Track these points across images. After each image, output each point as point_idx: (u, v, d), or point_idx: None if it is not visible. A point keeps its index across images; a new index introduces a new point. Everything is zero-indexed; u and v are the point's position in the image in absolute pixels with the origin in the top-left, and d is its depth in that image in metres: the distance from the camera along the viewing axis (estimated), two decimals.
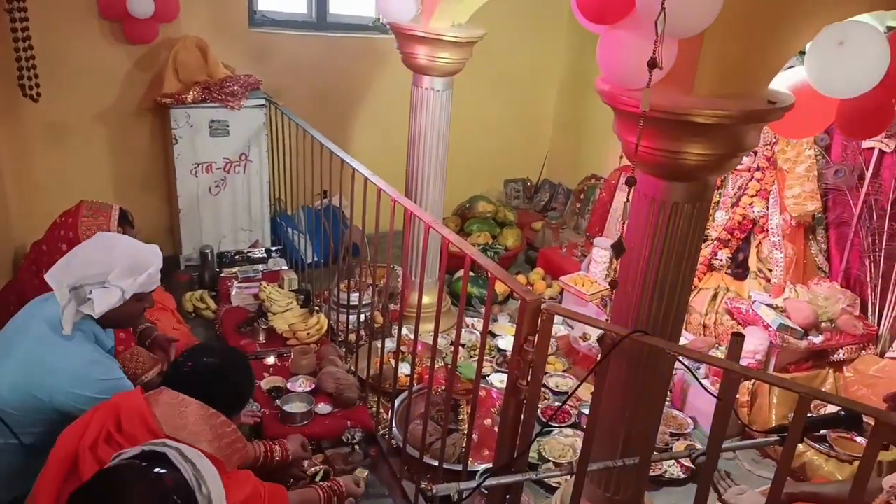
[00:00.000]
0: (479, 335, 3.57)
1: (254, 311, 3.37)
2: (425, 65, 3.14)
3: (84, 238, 2.40)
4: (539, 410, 2.95)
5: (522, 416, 1.82)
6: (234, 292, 3.55)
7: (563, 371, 3.40)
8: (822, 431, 2.83)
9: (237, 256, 3.89)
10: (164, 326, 2.80)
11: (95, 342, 1.99)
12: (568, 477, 2.02)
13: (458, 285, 3.86)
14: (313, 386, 2.84)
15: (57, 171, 3.90)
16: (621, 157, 1.60)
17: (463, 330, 3.60)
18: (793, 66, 2.03)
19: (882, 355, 3.17)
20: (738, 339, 1.75)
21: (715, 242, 3.49)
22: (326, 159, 3.06)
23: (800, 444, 2.81)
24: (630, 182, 1.64)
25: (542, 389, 3.21)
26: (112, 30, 3.80)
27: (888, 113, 1.93)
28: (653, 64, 1.51)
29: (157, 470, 1.19)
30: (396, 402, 2.76)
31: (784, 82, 1.94)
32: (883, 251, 3.25)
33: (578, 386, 1.81)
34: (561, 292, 3.93)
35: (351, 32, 4.52)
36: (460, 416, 2.74)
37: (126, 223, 2.63)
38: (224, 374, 1.80)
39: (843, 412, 1.81)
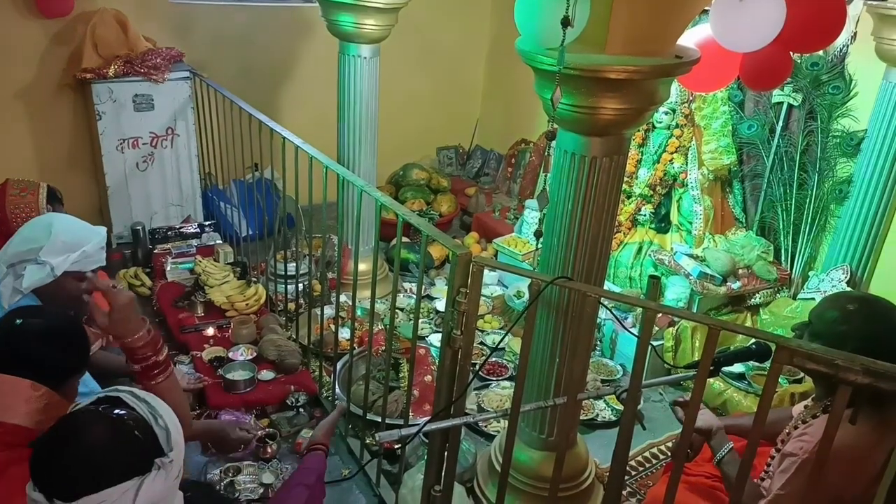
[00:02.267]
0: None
1: (190, 285, 3.35)
2: (351, 32, 3.14)
3: (11, 217, 2.37)
4: (477, 366, 3.07)
5: (458, 365, 1.90)
6: (168, 268, 3.52)
7: (500, 328, 3.52)
8: (741, 370, 3.05)
9: (170, 232, 3.84)
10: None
11: None
12: (505, 423, 2.13)
13: (394, 252, 3.92)
14: (255, 354, 2.88)
15: None
16: (549, 121, 1.67)
17: (402, 294, 3.70)
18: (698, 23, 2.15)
19: (795, 297, 3.40)
20: (654, 280, 1.88)
21: (638, 199, 3.65)
22: (256, 131, 3.04)
23: (720, 383, 3.02)
24: (549, 136, 1.73)
25: (481, 346, 3.33)
26: (25, 3, 3.63)
27: (786, 65, 2.08)
28: (566, 22, 1.58)
29: (115, 411, 1.24)
30: (338, 365, 2.82)
31: (691, 38, 2.05)
32: (794, 200, 3.47)
33: (508, 330, 1.92)
34: (496, 254, 4.04)
35: (275, 2, 4.44)
36: (401, 374, 2.82)
37: (55, 201, 2.58)
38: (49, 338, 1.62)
39: (753, 345, 1.95)
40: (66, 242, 1.95)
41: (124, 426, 1.23)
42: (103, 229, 2.10)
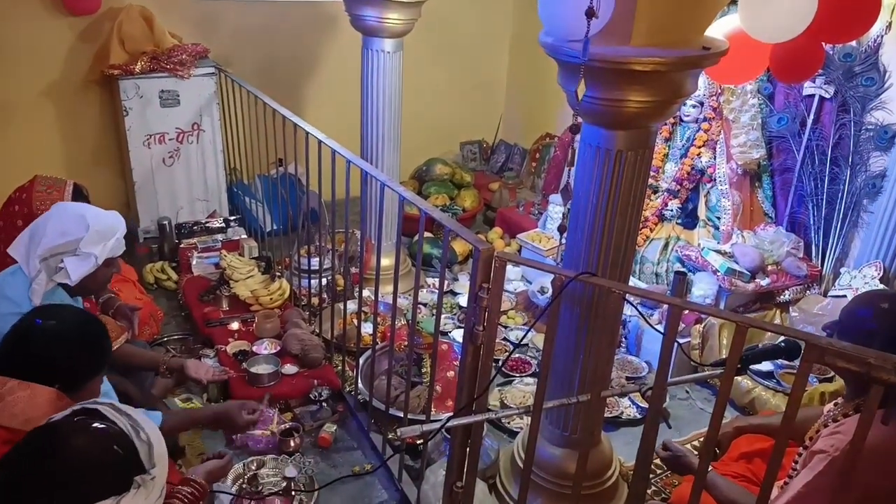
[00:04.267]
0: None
1: (215, 279, 3.39)
2: (374, 26, 3.14)
3: (39, 213, 2.39)
4: (500, 361, 3.06)
5: (480, 361, 1.89)
6: (194, 262, 3.56)
7: (523, 324, 3.50)
8: (769, 368, 2.99)
9: (195, 227, 3.87)
10: (127, 297, 2.82)
11: None
12: (528, 420, 2.12)
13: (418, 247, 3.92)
14: (279, 348, 2.90)
15: (5, 151, 3.81)
16: (574, 114, 1.65)
17: (425, 290, 3.70)
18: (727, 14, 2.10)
19: (825, 294, 3.32)
20: (680, 277, 1.84)
21: (665, 194, 3.60)
22: (280, 127, 3.05)
23: (749, 382, 2.97)
24: (574, 129, 1.70)
25: (504, 341, 3.31)
26: (53, 2, 3.69)
27: (818, 56, 2.02)
28: (591, 13, 1.55)
29: (94, 424, 1.18)
30: (361, 360, 2.82)
31: (719, 29, 2.01)
32: (825, 195, 3.38)
33: (532, 326, 1.89)
34: (519, 250, 4.01)
35: None
36: (423, 370, 2.82)
37: (80, 198, 2.62)
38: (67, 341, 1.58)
39: (782, 342, 1.91)
40: (101, 231, 2.00)
41: (103, 440, 1.16)
42: (118, 214, 2.14)
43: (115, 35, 3.71)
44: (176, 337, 3.19)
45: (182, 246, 3.73)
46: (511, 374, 3.08)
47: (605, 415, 2.80)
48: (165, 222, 3.85)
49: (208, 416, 2.24)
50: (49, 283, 1.93)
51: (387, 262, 3.41)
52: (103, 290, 2.18)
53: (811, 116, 3.34)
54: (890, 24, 3.10)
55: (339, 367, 2.88)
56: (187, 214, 4.06)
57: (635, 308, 1.93)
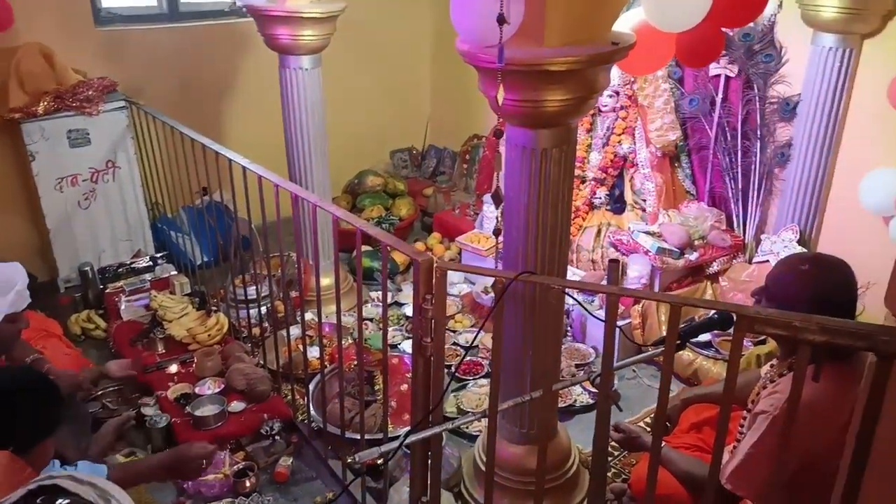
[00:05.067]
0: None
1: (147, 322, 3.26)
2: (289, 44, 3.09)
3: None
4: (453, 367, 3.07)
5: (431, 372, 1.89)
6: (122, 307, 3.41)
7: (471, 326, 3.52)
8: (707, 338, 3.11)
9: (121, 269, 3.72)
10: (53, 353, 2.69)
11: None
12: (486, 422, 2.13)
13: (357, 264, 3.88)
14: (223, 386, 2.81)
15: None
16: (497, 118, 1.69)
17: (369, 304, 3.67)
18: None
19: (750, 261, 3.48)
20: (614, 264, 1.89)
21: (593, 182, 3.69)
22: (200, 155, 2.97)
23: (689, 353, 3.08)
24: (498, 135, 1.73)
25: (454, 346, 3.32)
26: None
27: (719, 40, 2.12)
28: (501, 20, 1.58)
29: (58, 501, 1.10)
30: (311, 386, 2.78)
31: (626, 23, 2.07)
32: (739, 168, 3.55)
33: (478, 333, 1.92)
34: (459, 252, 4.04)
35: (207, 20, 4.35)
36: (376, 387, 2.79)
37: None
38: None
39: (715, 315, 1.99)
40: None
41: None
42: (19, 265, 2.05)
43: (13, 76, 3.52)
44: (110, 389, 3.04)
45: (108, 291, 3.57)
46: (464, 377, 3.09)
47: (559, 405, 2.84)
48: (87, 268, 3.66)
49: (157, 465, 2.12)
50: None
51: (327, 281, 3.37)
52: (11, 348, 2.06)
53: (720, 95, 3.50)
54: (781, 2, 3.28)
55: (289, 397, 2.82)
56: (110, 257, 3.89)
57: (576, 300, 1.97)
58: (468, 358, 3.22)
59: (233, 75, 4.48)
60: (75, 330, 3.48)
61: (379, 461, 2.28)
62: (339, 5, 3.12)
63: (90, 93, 3.63)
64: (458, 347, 3.33)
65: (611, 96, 3.63)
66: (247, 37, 4.31)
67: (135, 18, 4.16)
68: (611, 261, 1.75)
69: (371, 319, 3.52)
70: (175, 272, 3.73)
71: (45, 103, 3.52)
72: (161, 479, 2.30)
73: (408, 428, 2.33)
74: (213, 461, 2.26)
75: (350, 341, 3.19)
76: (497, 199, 1.78)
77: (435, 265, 1.80)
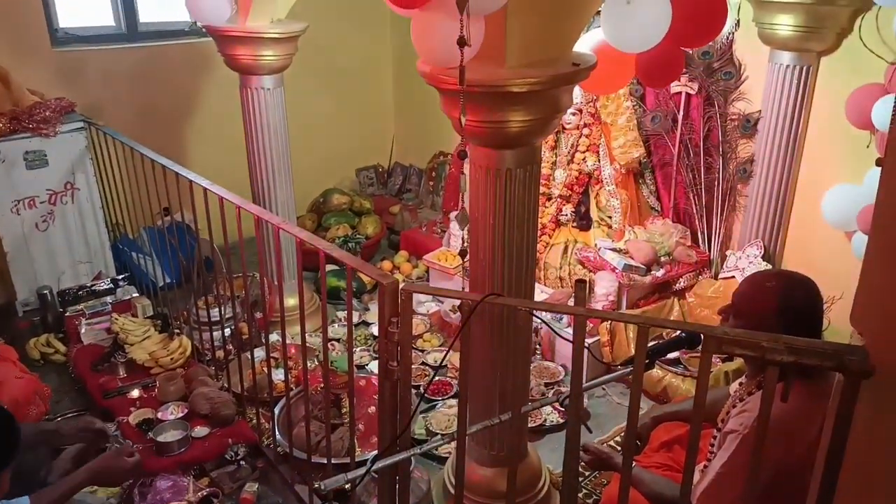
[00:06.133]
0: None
1: (108, 345, 3.17)
2: (250, 64, 3.06)
3: None
4: (421, 387, 3.03)
5: (399, 396, 1.86)
6: (83, 330, 3.31)
7: (440, 346, 3.50)
8: (675, 355, 3.12)
9: (81, 292, 3.61)
10: (5, 377, 2.61)
11: None
12: (454, 444, 2.10)
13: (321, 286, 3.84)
14: (186, 411, 2.73)
15: None
16: (461, 140, 1.70)
17: (336, 325, 3.62)
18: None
19: (716, 277, 3.52)
20: (580, 284, 1.89)
21: (558, 200, 3.71)
22: (161, 175, 2.91)
23: (658, 371, 3.09)
24: (461, 156, 1.72)
25: (422, 366, 3.29)
26: None
27: (678, 60, 2.15)
28: (462, 42, 1.57)
29: None
30: (276, 409, 2.72)
31: (586, 44, 2.09)
32: (703, 184, 3.60)
33: (446, 355, 1.89)
34: (427, 270, 4.02)
35: (167, 40, 4.30)
36: (343, 410, 2.75)
37: None
38: None
39: (683, 334, 1.99)
40: None
41: None
42: None
43: None
44: (70, 414, 2.96)
45: (68, 314, 3.47)
46: (433, 398, 3.06)
47: (529, 425, 2.83)
48: (46, 291, 3.57)
49: (84, 478, 2.10)
50: None
51: (292, 301, 3.32)
52: None
53: (681, 112, 3.55)
54: (738, 21, 3.35)
55: (254, 421, 2.76)
56: (70, 280, 3.79)
57: (543, 321, 1.96)
58: (437, 378, 3.19)
59: (194, 95, 4.43)
60: (34, 354, 3.38)
61: (346, 486, 2.24)
62: (299, 26, 3.11)
63: (47, 113, 3.54)
64: (427, 367, 3.30)
65: (574, 114, 3.66)
66: (207, 57, 4.27)
67: (93, 39, 4.09)
68: (577, 281, 1.74)
69: (338, 340, 3.48)
70: (137, 294, 3.64)
71: (1, 125, 3.43)
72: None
73: (375, 452, 2.29)
74: (139, 471, 2.26)
75: (316, 363, 3.14)
76: (463, 220, 1.77)
77: (401, 288, 1.78)
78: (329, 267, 3.92)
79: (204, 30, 3.19)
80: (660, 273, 3.38)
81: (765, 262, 3.33)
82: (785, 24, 3.00)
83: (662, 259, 3.44)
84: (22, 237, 3.63)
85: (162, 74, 4.25)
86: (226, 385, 2.92)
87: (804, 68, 3.10)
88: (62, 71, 3.89)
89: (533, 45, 1.75)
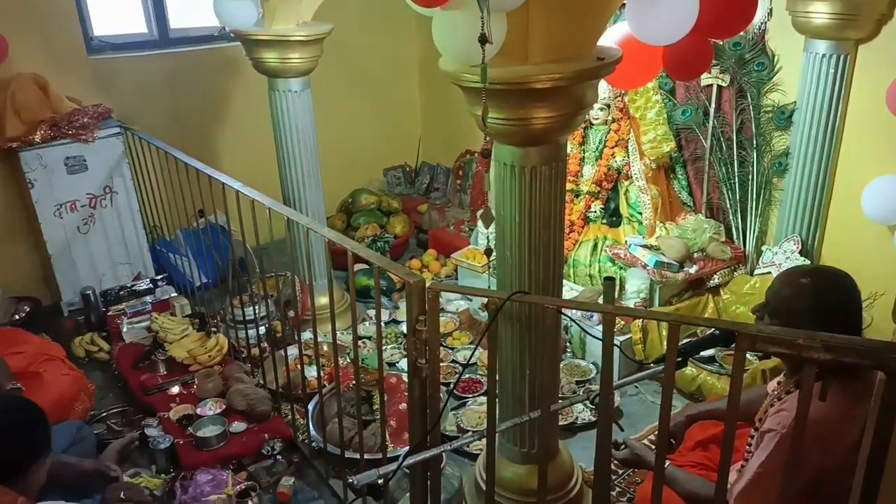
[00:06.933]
0: (382, 325, 3.62)
1: (149, 343, 3.26)
2: (277, 67, 3.11)
3: None
4: (452, 385, 3.05)
5: (428, 393, 1.88)
6: (125, 329, 3.42)
7: (469, 343, 3.50)
8: (711, 353, 3.07)
9: (122, 292, 3.72)
10: (53, 375, 2.71)
11: None
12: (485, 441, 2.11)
13: (355, 280, 3.88)
14: (224, 407, 2.81)
15: None
16: (484, 137, 1.70)
17: (367, 323, 3.65)
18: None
19: (752, 273, 3.45)
20: (609, 282, 1.88)
21: (587, 196, 3.68)
22: (195, 178, 2.98)
23: (693, 369, 3.04)
24: (485, 154, 1.72)
25: (452, 364, 3.30)
26: None
27: (707, 52, 2.10)
28: (483, 39, 1.58)
29: None
30: (310, 406, 2.76)
31: (611, 37, 2.07)
32: (736, 178, 3.53)
33: (473, 352, 1.89)
34: (455, 269, 4.03)
35: (197, 45, 4.38)
36: (375, 407, 2.77)
37: None
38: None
39: (716, 331, 1.96)
40: None
41: None
42: None
43: (9, 106, 3.54)
44: (114, 410, 3.05)
45: (110, 314, 3.57)
46: (464, 395, 3.07)
47: (560, 423, 2.82)
48: (89, 292, 3.67)
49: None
50: None
51: (324, 300, 3.36)
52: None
53: (713, 105, 3.49)
54: (771, 9, 3.28)
55: (289, 417, 2.81)
56: (111, 280, 3.90)
57: (571, 319, 1.95)
58: (467, 376, 3.20)
59: (224, 99, 4.51)
60: (79, 352, 3.49)
61: (379, 481, 2.26)
62: (325, 28, 3.14)
63: (85, 120, 3.65)
64: (457, 365, 3.31)
65: (602, 109, 3.62)
66: (236, 61, 4.35)
67: (126, 46, 4.19)
68: (606, 278, 1.73)
69: (368, 338, 3.51)
70: (175, 294, 3.74)
71: (42, 131, 3.55)
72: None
73: (407, 448, 2.31)
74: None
75: (348, 361, 3.17)
76: (487, 218, 1.78)
77: (427, 286, 1.79)
78: (360, 266, 3.97)
79: (232, 34, 3.24)
80: (693, 270, 3.33)
81: (802, 258, 3.26)
82: (820, 11, 2.92)
83: (695, 255, 3.39)
84: (65, 240, 3.75)
85: (193, 79, 4.34)
86: (261, 382, 2.99)
87: (841, 57, 3.02)
88: (98, 78, 4.00)
89: (556, 40, 1.74)
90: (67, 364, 3.03)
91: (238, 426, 2.73)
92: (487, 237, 1.91)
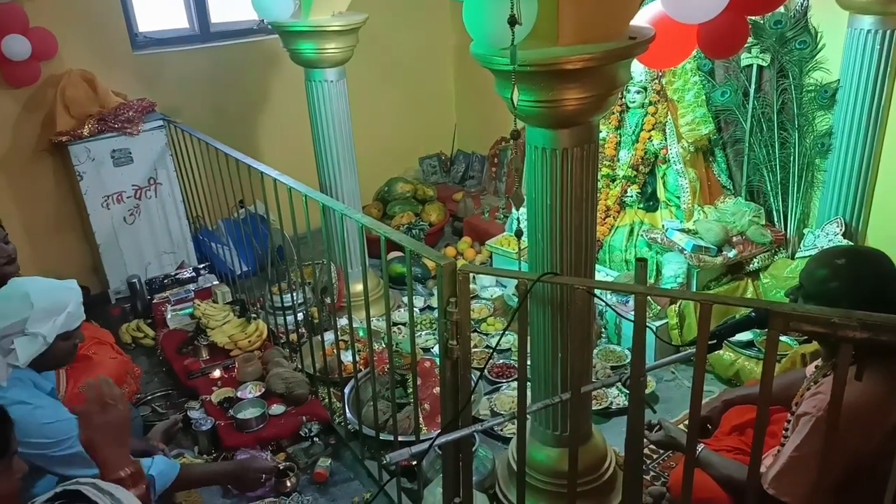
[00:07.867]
0: (417, 312, 3.66)
1: (192, 330, 3.37)
2: (313, 58, 3.15)
3: None
4: (486, 370, 3.07)
5: (459, 375, 1.90)
6: (169, 316, 3.54)
7: (504, 329, 3.51)
8: (749, 337, 3.03)
9: (166, 280, 3.84)
10: (101, 359, 2.81)
11: (35, 388, 1.96)
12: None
13: (391, 268, 3.92)
14: (263, 390, 2.88)
15: None
16: (514, 120, 1.70)
17: (402, 309, 3.70)
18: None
19: (793, 257, 3.38)
20: (641, 264, 1.87)
21: (623, 181, 3.64)
22: (235, 169, 3.05)
23: (731, 354, 3.00)
24: (514, 136, 1.73)
25: (487, 349, 3.32)
26: None
27: (743, 30, 2.07)
28: (513, 21, 1.58)
29: None
30: (346, 390, 2.82)
31: (644, 16, 2.05)
32: (777, 160, 3.45)
33: (502, 334, 1.91)
34: (490, 256, 4.04)
35: (237, 39, 4.47)
36: (409, 390, 2.81)
37: None
38: None
39: (752, 313, 1.93)
40: (48, 309, 1.92)
41: None
42: (75, 283, 2.06)
43: (59, 101, 3.69)
44: (159, 394, 3.17)
45: (155, 301, 3.70)
46: (497, 380, 3.09)
47: (595, 407, 2.82)
48: (135, 280, 3.81)
49: (222, 472, 2.29)
50: (9, 367, 1.88)
51: (360, 287, 3.41)
52: (69, 361, 2.13)
53: (752, 86, 3.41)
54: None
55: (326, 400, 2.87)
56: (156, 269, 4.03)
57: (603, 301, 1.95)
58: (501, 361, 3.21)
59: (263, 91, 4.59)
60: (126, 339, 3.62)
61: (413, 462, 2.30)
62: (360, 17, 3.17)
63: (131, 114, 3.77)
64: (492, 350, 3.33)
65: (639, 92, 3.57)
66: (273, 53, 4.41)
67: (169, 41, 4.30)
68: (638, 259, 1.73)
69: (403, 323, 3.55)
70: (217, 282, 3.84)
71: (90, 125, 3.67)
72: (222, 485, 2.44)
73: (439, 431, 2.34)
74: (271, 478, 2.39)
75: (382, 346, 3.22)
76: (517, 200, 1.78)
77: (458, 268, 1.81)
78: (395, 254, 4.01)
79: (270, 27, 3.30)
80: (731, 254, 3.27)
81: (846, 241, 3.17)
82: None
83: (734, 239, 3.33)
84: (112, 230, 3.88)
85: (233, 73, 4.43)
86: (299, 366, 3.05)
87: (887, 33, 2.92)
88: (142, 73, 4.12)
89: (587, 20, 1.73)
90: (116, 349, 3.14)
91: (277, 409, 2.80)
92: (518, 219, 1.91)
